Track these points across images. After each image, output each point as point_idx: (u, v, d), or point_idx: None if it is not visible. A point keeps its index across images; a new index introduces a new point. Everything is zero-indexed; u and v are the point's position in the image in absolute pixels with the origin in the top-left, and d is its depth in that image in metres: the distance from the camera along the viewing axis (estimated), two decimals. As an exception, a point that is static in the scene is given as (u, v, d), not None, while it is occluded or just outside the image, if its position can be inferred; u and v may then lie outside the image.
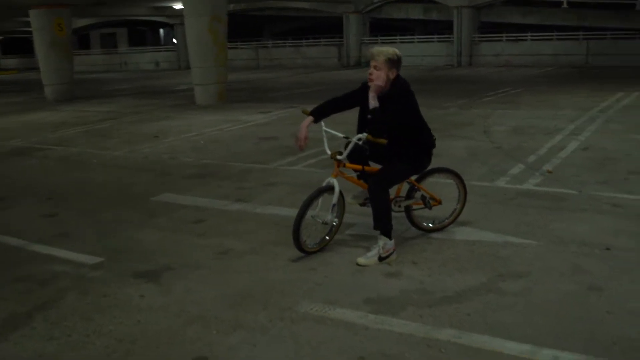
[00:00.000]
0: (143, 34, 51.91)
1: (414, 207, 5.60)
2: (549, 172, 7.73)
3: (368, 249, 5.18)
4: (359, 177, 5.43)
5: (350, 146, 5.06)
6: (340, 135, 5.14)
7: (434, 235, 5.64)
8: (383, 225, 5.08)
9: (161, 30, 54.33)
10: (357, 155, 5.19)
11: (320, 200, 5.14)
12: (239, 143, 10.56)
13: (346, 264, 5.04)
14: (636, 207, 6.27)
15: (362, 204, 5.51)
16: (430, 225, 5.73)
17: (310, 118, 5.15)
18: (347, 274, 4.87)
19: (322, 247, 5.33)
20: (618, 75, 21.52)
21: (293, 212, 5.80)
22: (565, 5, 29.55)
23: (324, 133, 5.21)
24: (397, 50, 4.99)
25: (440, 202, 5.64)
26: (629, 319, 3.96)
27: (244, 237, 5.79)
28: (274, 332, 3.95)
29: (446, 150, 8.85)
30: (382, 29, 34.12)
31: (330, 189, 5.13)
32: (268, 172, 8.34)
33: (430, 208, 5.56)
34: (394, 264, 5.00)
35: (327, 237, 5.37)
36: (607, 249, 5.17)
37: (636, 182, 7.16)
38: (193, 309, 4.32)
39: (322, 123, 5.23)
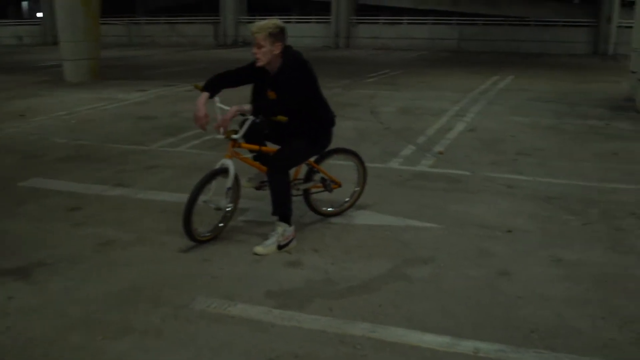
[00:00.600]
0: (3, 7, 48.18)
1: (313, 190, 5.29)
2: (440, 153, 7.69)
3: (265, 237, 4.80)
4: (255, 159, 5.04)
5: (246, 124, 4.64)
6: (224, 108, 4.71)
7: (333, 219, 5.36)
8: (282, 211, 4.73)
9: (24, 3, 50.71)
10: (254, 134, 4.78)
11: (213, 183, 4.70)
12: (115, 123, 9.78)
13: (243, 254, 4.64)
14: (529, 187, 6.31)
15: (258, 187, 5.14)
16: (330, 209, 5.44)
17: (206, 94, 4.68)
18: (244, 264, 4.48)
19: (216, 235, 4.90)
20: (490, 60, 22.36)
21: (180, 198, 5.43)
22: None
23: (217, 110, 4.75)
24: (278, 22, 4.61)
25: (340, 185, 5.37)
26: (540, 304, 3.86)
27: (128, 225, 5.24)
28: (169, 334, 3.50)
29: (335, 131, 8.60)
30: (260, 8, 33.52)
31: (224, 171, 4.71)
32: (149, 154, 7.72)
33: (330, 191, 5.28)
34: (294, 252, 4.68)
35: (221, 224, 4.95)
36: (509, 231, 5.12)
37: (524, 163, 7.25)
38: (73, 310, 3.76)
39: (216, 99, 4.78)
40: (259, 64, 4.61)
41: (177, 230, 4.79)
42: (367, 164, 6.51)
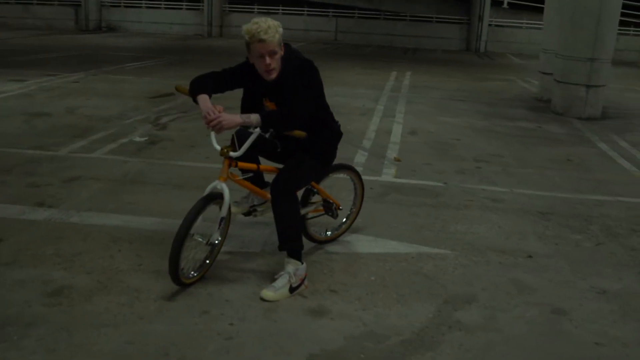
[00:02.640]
0: None
1: (311, 215, 4.42)
2: (397, 160, 7.06)
3: (262, 273, 3.92)
4: (248, 180, 4.09)
5: (250, 139, 3.68)
6: (208, 106, 3.77)
7: (332, 249, 4.54)
8: (293, 245, 3.85)
9: None
10: (253, 151, 3.85)
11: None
12: (2, 121, 8.18)
13: (248, 300, 3.72)
14: (514, 201, 5.86)
15: (248, 213, 4.21)
16: (329, 234, 4.60)
17: (205, 96, 3.68)
18: (258, 316, 3.55)
19: (202, 275, 3.91)
20: (375, 54, 22.17)
21: (127, 222, 4.64)
22: (314, -19, 29.81)
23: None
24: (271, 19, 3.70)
25: (339, 207, 4.52)
26: (623, 351, 3.29)
27: (77, 264, 4.08)
28: None
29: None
30: (126, -9, 31.20)
31: (217, 197, 3.72)
32: (61, 162, 6.40)
33: (336, 216, 4.43)
34: (309, 294, 3.80)
35: (207, 261, 3.96)
36: (529, 256, 4.58)
37: (489, 171, 6.84)
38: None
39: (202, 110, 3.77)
40: (273, 76, 3.68)
41: (147, 269, 3.95)
42: None
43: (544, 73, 12.10)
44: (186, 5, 29.63)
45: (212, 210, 3.79)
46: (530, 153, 7.76)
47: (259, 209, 4.20)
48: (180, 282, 3.71)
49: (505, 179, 6.51)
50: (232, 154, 3.73)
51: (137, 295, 3.69)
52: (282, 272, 3.80)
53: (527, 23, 27.51)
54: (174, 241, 3.54)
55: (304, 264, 3.87)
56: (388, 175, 6.47)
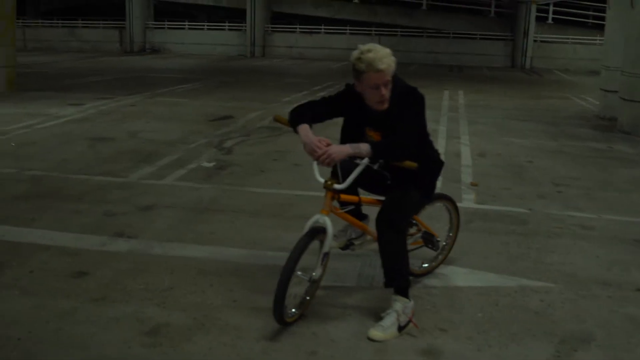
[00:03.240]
0: None
1: (409, 247, 4.19)
2: (474, 184, 6.81)
3: (363, 309, 3.73)
4: (349, 213, 3.90)
5: (357, 171, 3.49)
6: (312, 137, 3.59)
7: (429, 282, 4.32)
8: (401, 282, 3.64)
9: None
10: (354, 182, 3.65)
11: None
12: (65, 146, 8.18)
13: (354, 340, 3.52)
14: (604, 228, 5.57)
15: (345, 247, 4.01)
16: (425, 266, 4.38)
17: (306, 126, 3.51)
18: (370, 359, 3.32)
19: (302, 312, 3.72)
20: (422, 72, 21.93)
21: (211, 253, 4.53)
22: (357, 0, 29.80)
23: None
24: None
25: (438, 239, 4.31)
26: None
27: (169, 300, 3.93)
28: None
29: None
30: (168, 14, 31.62)
31: (321, 232, 3.53)
32: (132, 189, 6.31)
33: (437, 248, 4.21)
34: (418, 333, 3.57)
35: (308, 297, 3.77)
36: (638, 289, 4.27)
37: (571, 195, 6.57)
38: None
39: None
40: (386, 106, 3.50)
41: (243, 305, 3.80)
42: None
43: (606, 90, 11.73)
44: (229, 26, 29.89)
45: (313, 245, 3.59)
46: (608, 175, 7.46)
47: (356, 242, 4.03)
48: (284, 321, 3.53)
49: (590, 204, 6.23)
50: (336, 186, 3.55)
51: (238, 335, 3.52)
52: (389, 310, 3.59)
53: (573, 38, 27.10)
54: (279, 282, 3.37)
55: (412, 301, 3.66)
56: (468, 201, 6.23)
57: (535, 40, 26.70)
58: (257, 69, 21.46)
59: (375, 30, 28.56)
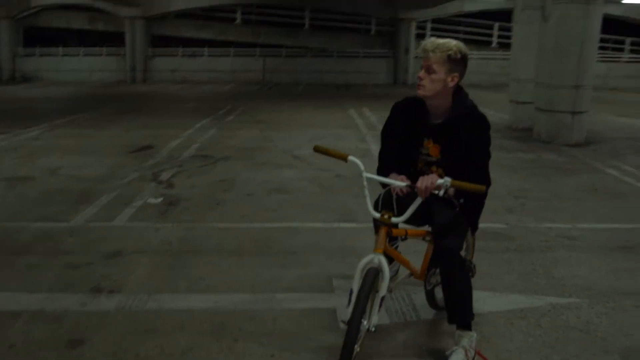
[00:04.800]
0: None
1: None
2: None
3: (420, 348, 3.45)
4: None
5: (418, 201, 3.21)
6: (400, 183, 3.27)
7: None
8: (468, 316, 3.38)
9: None
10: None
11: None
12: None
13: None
14: (586, 237, 5.68)
15: (391, 289, 3.70)
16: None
17: (394, 174, 3.34)
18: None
19: None
20: (313, 92, 21.92)
21: (214, 302, 4.16)
22: (239, 21, 29.48)
23: (364, 182, 3.28)
24: (461, 45, 3.29)
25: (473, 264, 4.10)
26: None
27: (196, 362, 3.44)
28: None
29: (294, 184, 7.32)
30: (39, 39, 29.66)
31: (377, 274, 3.20)
32: (84, 235, 5.65)
33: (474, 274, 3.99)
34: (484, 369, 3.36)
35: (358, 348, 3.41)
36: None
37: (534, 207, 6.74)
38: None
39: (361, 166, 3.29)
40: (420, 93, 3.27)
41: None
42: (367, 225, 5.55)
43: (517, 102, 12.18)
44: (107, 51, 28.53)
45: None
46: (555, 185, 7.66)
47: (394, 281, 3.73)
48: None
49: (557, 215, 6.34)
50: (395, 219, 3.24)
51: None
52: (456, 348, 3.35)
53: (450, 53, 28.15)
54: (346, 342, 3.00)
55: (475, 333, 3.42)
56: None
57: (416, 57, 27.54)
58: (145, 95, 20.56)
59: (260, 51, 28.38)
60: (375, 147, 10.07)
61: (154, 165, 8.58)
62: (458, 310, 3.37)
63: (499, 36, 29.79)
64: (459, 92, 3.36)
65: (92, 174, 8.00)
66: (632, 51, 29.37)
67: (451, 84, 3.28)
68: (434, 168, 3.44)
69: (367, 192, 3.28)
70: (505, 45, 29.76)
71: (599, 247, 5.36)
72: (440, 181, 3.10)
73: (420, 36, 28.62)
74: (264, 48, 28.48)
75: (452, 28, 29.34)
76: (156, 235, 5.59)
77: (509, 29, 29.83)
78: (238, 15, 29.31)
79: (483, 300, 4.24)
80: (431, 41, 3.25)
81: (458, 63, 3.25)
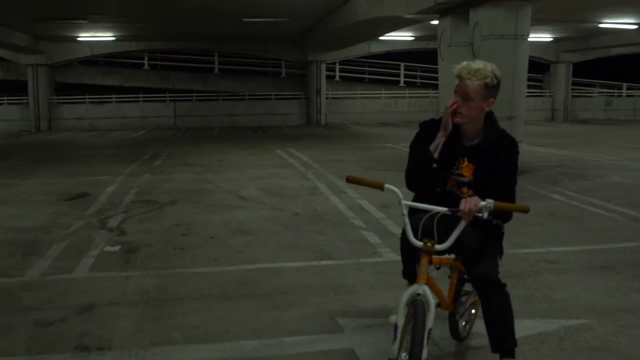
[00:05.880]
0: None
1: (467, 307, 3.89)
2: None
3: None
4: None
5: (461, 226, 3.09)
6: (442, 209, 3.13)
7: (476, 343, 3.99)
8: (512, 342, 3.28)
9: None
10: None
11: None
12: None
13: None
14: (565, 260, 5.78)
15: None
16: (466, 326, 4.03)
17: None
18: None
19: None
20: (226, 135, 21.60)
21: (220, 352, 3.88)
22: (146, 66, 28.91)
23: (404, 211, 3.13)
24: (496, 69, 3.24)
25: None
26: None
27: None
28: None
29: (256, 225, 7.09)
30: None
31: (424, 305, 3.05)
32: (45, 289, 5.15)
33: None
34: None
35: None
36: None
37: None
38: None
39: (400, 195, 3.14)
40: (457, 120, 3.19)
41: None
42: (345, 261, 5.68)
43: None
44: (7, 99, 27.14)
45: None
46: (511, 211, 7.76)
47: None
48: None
49: (528, 240, 6.43)
50: (438, 247, 3.10)
51: None
52: (502, 376, 3.19)
53: (361, 94, 28.89)
54: None
55: (519, 361, 3.30)
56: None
57: (327, 97, 27.91)
58: (55, 142, 19.61)
59: (170, 97, 27.87)
60: (320, 185, 9.97)
61: (96, 212, 8.06)
62: (502, 338, 3.26)
63: (405, 75, 30.74)
64: (490, 114, 3.30)
65: (32, 224, 7.41)
66: (529, 86, 31.00)
67: (487, 109, 3.23)
68: (464, 189, 3.35)
69: (407, 219, 3.12)
70: (411, 84, 30.82)
71: (582, 268, 5.45)
72: (482, 203, 2.99)
73: (330, 77, 29.13)
74: (174, 93, 27.98)
75: (360, 69, 30.10)
76: (128, 285, 5.18)
77: (414, 69, 31.02)
78: (145, 61, 28.74)
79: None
80: (466, 67, 3.17)
81: (495, 88, 3.20)
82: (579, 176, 10.60)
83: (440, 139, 3.25)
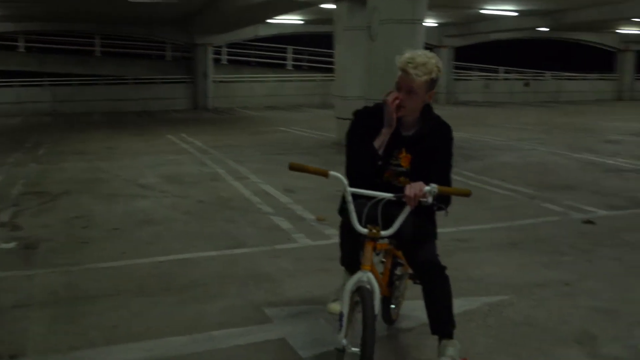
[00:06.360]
0: None
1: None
2: (321, 219, 6.65)
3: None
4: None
5: (406, 211, 3.08)
6: (387, 195, 3.11)
7: (405, 325, 4.08)
8: (452, 324, 3.34)
9: None
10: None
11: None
12: None
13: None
14: (474, 239, 5.98)
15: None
16: (393, 308, 4.05)
17: None
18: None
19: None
20: (114, 120, 20.75)
21: (147, 350, 3.72)
22: (22, 49, 27.13)
23: (349, 198, 3.08)
24: (439, 61, 3.25)
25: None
26: None
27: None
28: None
29: (148, 214, 6.85)
30: None
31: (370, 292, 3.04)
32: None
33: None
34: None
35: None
36: (567, 284, 4.77)
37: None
38: None
39: (344, 182, 3.09)
40: (401, 114, 3.18)
41: None
42: (260, 249, 5.62)
43: (344, 119, 12.54)
44: None
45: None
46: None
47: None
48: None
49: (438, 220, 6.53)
50: (384, 232, 3.08)
51: None
52: (443, 357, 3.24)
53: (249, 77, 28.61)
54: None
55: (458, 342, 3.36)
56: (337, 236, 6.01)
57: (214, 81, 27.39)
58: None
59: (49, 81, 26.32)
60: (221, 170, 9.77)
61: (-19, 207, 7.46)
62: (443, 321, 3.30)
63: (293, 59, 30.74)
64: (429, 106, 3.31)
65: None
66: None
67: (428, 100, 3.23)
68: (401, 178, 3.34)
69: (352, 207, 3.07)
70: (298, 68, 30.89)
71: (492, 246, 5.66)
72: (427, 188, 3.00)
73: (217, 61, 28.61)
74: (53, 77, 26.45)
75: (247, 52, 29.78)
76: (33, 285, 4.83)
77: (301, 52, 31.09)
78: (21, 43, 26.96)
79: (422, 309, 4.19)
80: (411, 61, 3.10)
81: (437, 81, 3.19)
82: (471, 157, 11.00)
83: (385, 136, 3.22)
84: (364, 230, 3.07)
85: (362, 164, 3.24)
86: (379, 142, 3.21)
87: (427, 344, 3.68)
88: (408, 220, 3.15)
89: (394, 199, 3.08)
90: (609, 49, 31.59)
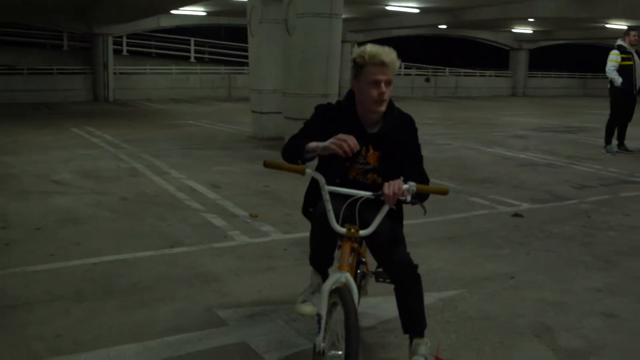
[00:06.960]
0: None
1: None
2: (254, 215, 6.54)
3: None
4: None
5: (384, 210, 3.04)
6: (365, 193, 3.05)
7: (366, 323, 4.03)
8: (423, 323, 3.34)
9: None
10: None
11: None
12: None
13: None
14: (413, 233, 5.94)
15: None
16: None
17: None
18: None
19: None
20: (11, 113, 19.54)
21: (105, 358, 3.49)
22: None
23: (327, 197, 3.00)
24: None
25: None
26: None
27: None
28: None
29: (70, 213, 6.50)
30: None
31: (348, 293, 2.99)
32: None
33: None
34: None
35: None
36: (512, 277, 4.95)
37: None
38: None
39: (322, 179, 3.02)
40: (383, 109, 3.13)
41: None
42: (199, 247, 5.50)
43: (260, 113, 12.41)
44: None
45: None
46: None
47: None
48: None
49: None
50: (362, 232, 3.02)
51: None
52: (416, 357, 3.23)
53: (151, 69, 27.80)
54: None
55: (428, 339, 3.36)
56: (274, 233, 5.94)
57: (115, 73, 26.40)
58: None
59: None
60: (139, 165, 9.39)
61: None
62: (415, 320, 3.28)
63: (196, 51, 30.14)
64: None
65: None
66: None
67: None
68: (369, 175, 3.30)
69: (329, 206, 2.98)
70: (201, 60, 30.32)
71: (431, 241, 5.73)
72: (405, 186, 2.96)
73: (117, 52, 27.60)
74: None
75: (149, 44, 28.91)
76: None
77: (203, 45, 30.53)
78: None
79: (380, 306, 4.20)
80: (382, 52, 3.05)
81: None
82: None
83: (330, 152, 2.96)
84: (343, 230, 2.99)
85: (289, 148, 3.13)
86: (320, 148, 3.00)
87: (392, 342, 3.69)
88: (384, 219, 3.10)
89: (373, 197, 3.02)
90: (504, 47, 33.00)
